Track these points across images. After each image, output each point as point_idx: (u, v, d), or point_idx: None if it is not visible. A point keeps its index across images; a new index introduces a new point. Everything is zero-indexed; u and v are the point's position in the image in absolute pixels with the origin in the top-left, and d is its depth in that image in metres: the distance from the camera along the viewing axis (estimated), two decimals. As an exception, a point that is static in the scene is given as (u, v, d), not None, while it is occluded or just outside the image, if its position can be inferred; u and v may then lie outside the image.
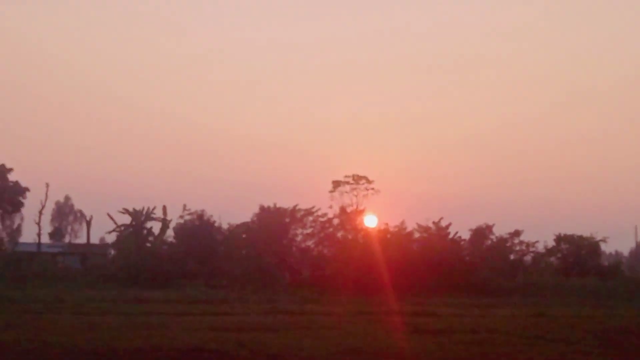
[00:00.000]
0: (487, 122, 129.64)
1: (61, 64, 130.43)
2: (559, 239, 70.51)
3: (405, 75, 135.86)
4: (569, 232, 70.95)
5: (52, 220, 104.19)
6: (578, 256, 69.47)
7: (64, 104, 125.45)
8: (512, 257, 69.39)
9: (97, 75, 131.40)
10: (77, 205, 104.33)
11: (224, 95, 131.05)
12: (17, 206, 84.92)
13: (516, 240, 69.42)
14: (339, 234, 68.29)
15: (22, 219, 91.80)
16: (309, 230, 68.59)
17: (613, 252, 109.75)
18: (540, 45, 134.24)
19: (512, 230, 69.48)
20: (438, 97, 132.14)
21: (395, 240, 63.53)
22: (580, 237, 70.37)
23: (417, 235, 67.10)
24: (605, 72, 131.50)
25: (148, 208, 70.26)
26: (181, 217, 69.00)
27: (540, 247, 70.48)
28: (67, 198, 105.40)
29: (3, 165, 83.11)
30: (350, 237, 67.30)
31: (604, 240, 70.74)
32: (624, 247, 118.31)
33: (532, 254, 70.47)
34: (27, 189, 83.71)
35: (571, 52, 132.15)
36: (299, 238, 68.77)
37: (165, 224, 70.25)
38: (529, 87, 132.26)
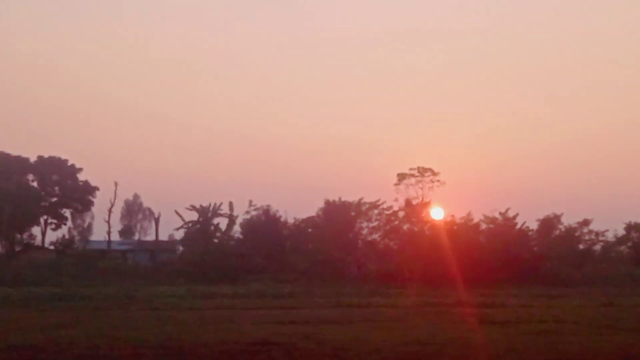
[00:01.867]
0: (553, 112, 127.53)
1: (129, 64, 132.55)
2: (629, 227, 69.16)
3: (471, 69, 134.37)
4: (640, 220, 69.57)
5: (122, 218, 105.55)
6: (649, 245, 68.10)
7: (131, 103, 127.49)
8: (581, 246, 68.26)
9: (164, 73, 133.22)
10: (146, 203, 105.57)
11: (288, 91, 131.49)
12: (87, 205, 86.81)
13: (585, 230, 68.28)
14: (405, 227, 68.12)
15: (92, 217, 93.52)
16: (374, 224, 68.61)
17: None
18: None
19: (581, 219, 68.41)
20: (498, 84, 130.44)
21: (462, 231, 63.05)
22: (652, 225, 68.95)
23: (484, 226, 66.51)
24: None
25: (215, 204, 71.09)
26: (247, 212, 69.81)
27: (610, 236, 69.26)
28: (135, 196, 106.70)
29: (73, 165, 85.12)
30: (416, 229, 67.07)
31: (676, 228, 69.22)
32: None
33: (601, 244, 69.26)
34: (96, 188, 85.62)
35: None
36: (364, 231, 68.86)
37: (231, 219, 71.02)
38: (593, 77, 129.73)
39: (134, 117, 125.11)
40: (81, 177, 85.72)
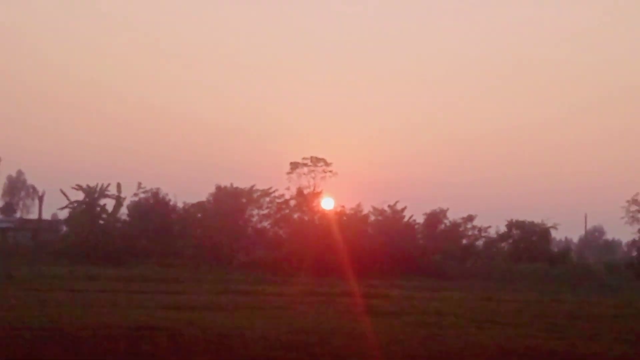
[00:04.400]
0: (441, 106, 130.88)
1: (15, 38, 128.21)
2: (511, 224, 71.35)
3: (365, 59, 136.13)
4: (521, 218, 71.91)
5: (4, 194, 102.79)
6: (529, 242, 70.39)
7: (17, 76, 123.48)
8: (464, 241, 70.15)
9: (52, 50, 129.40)
10: (30, 180, 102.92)
11: (183, 74, 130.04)
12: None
13: (469, 225, 70.29)
14: (296, 216, 68.36)
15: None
16: (265, 211, 68.61)
17: (563, 239, 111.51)
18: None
19: (465, 215, 70.26)
20: (394, 81, 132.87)
21: (351, 222, 63.80)
22: (532, 223, 71.27)
23: (372, 218, 67.50)
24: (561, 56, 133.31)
25: (102, 185, 69.54)
26: (136, 194, 68.69)
27: (492, 233, 71.41)
28: (19, 173, 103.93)
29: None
30: (306, 218, 67.39)
31: (554, 227, 71.80)
32: (574, 234, 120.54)
33: (484, 239, 71.31)
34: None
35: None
36: (255, 219, 68.81)
37: (119, 201, 69.64)
38: (484, 66, 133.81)
39: (21, 91, 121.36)
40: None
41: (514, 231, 71.52)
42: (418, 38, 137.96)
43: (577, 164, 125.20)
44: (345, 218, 64.59)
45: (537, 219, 71.58)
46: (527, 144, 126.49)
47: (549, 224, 71.19)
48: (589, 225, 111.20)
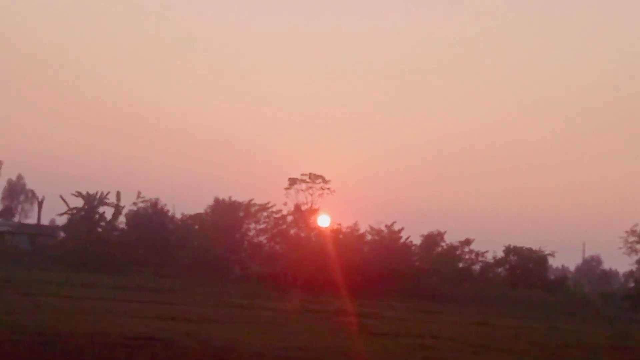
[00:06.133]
0: (444, 131, 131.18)
1: (24, 39, 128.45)
2: (508, 250, 71.23)
3: (367, 79, 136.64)
4: (519, 244, 71.84)
5: (3, 198, 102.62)
6: (525, 268, 70.26)
7: (21, 81, 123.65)
8: (461, 265, 70.01)
9: (66, 55, 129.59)
10: (30, 185, 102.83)
11: (185, 85, 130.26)
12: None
13: (466, 249, 70.13)
14: (292, 231, 68.46)
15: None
16: (262, 226, 68.76)
17: (560, 267, 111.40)
18: (500, 54, 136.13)
19: (463, 238, 70.19)
20: (397, 103, 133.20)
21: (348, 240, 63.80)
22: (529, 250, 71.17)
23: (369, 237, 67.51)
24: (563, 83, 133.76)
25: (102, 193, 69.69)
26: (135, 204, 68.75)
27: (489, 257, 71.27)
28: (19, 177, 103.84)
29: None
30: (303, 235, 67.45)
31: (552, 255, 71.66)
32: (571, 262, 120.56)
33: (480, 264, 71.17)
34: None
35: (528, 61, 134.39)
36: (251, 233, 68.94)
37: (118, 209, 69.74)
38: (487, 96, 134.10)
39: (23, 95, 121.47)
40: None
41: (511, 257, 71.38)
42: (433, 56, 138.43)
43: (577, 192, 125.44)
44: (341, 236, 64.61)
45: (534, 246, 71.63)
46: (528, 173, 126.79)
47: (547, 252, 71.15)
48: (587, 254, 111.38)
